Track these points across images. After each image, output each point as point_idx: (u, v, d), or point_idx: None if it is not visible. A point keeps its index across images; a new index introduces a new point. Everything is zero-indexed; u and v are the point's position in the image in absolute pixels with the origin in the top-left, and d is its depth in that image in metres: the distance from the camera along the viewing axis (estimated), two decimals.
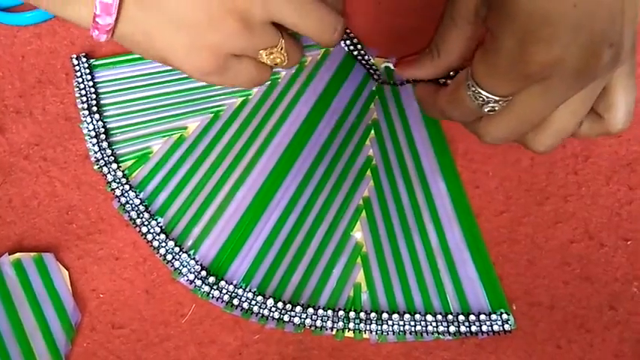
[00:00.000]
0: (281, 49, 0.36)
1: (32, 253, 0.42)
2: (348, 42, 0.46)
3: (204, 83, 0.46)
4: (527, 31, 0.27)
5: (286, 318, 0.41)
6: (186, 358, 0.41)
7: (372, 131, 0.45)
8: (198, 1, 0.32)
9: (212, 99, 0.46)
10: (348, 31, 0.47)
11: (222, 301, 0.41)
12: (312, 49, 0.47)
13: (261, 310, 0.41)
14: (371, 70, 0.46)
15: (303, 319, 0.41)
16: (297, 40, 0.39)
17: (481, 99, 0.32)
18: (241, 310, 0.41)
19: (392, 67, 0.46)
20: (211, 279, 0.41)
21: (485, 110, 0.32)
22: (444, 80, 0.41)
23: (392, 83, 0.45)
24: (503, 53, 0.28)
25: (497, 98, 0.31)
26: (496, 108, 0.32)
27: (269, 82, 0.46)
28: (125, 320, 0.42)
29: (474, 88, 0.32)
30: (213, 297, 0.41)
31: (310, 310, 0.41)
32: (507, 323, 0.40)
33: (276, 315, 0.41)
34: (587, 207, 0.43)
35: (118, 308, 0.42)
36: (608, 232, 0.42)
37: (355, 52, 0.46)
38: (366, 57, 0.46)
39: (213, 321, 0.42)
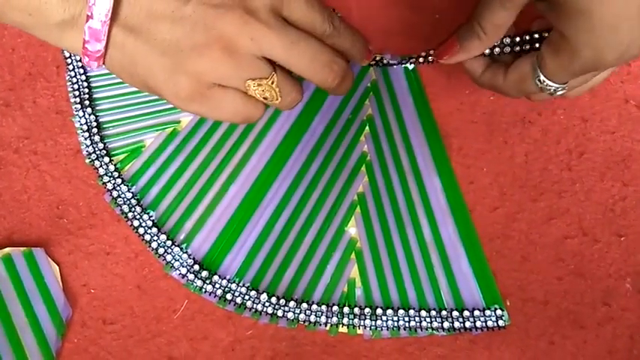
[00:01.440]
0: (272, 83, 0.34)
1: (22, 248, 0.42)
2: None
3: None
4: (602, 39, 0.31)
5: (280, 313, 0.40)
6: (179, 354, 0.41)
7: (367, 127, 0.45)
8: (184, 27, 0.32)
9: None
10: None
11: (215, 295, 0.41)
12: None
13: (255, 305, 0.40)
14: (372, 62, 0.46)
15: (296, 315, 0.40)
16: (293, 78, 0.36)
17: (548, 88, 0.36)
18: (234, 304, 0.41)
19: (384, 62, 0.46)
20: (204, 273, 0.41)
21: (548, 92, 0.36)
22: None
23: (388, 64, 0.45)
24: (581, 60, 0.33)
25: (564, 86, 0.35)
26: (559, 91, 0.36)
27: None
28: (116, 316, 0.42)
29: (542, 80, 0.35)
30: (205, 291, 0.41)
31: (304, 306, 0.40)
32: (501, 319, 0.40)
33: (270, 310, 0.40)
34: (581, 203, 0.43)
35: (109, 304, 0.42)
36: (601, 228, 0.42)
37: None
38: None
39: (206, 316, 0.42)
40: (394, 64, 0.45)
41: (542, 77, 0.36)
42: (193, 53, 0.32)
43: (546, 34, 0.37)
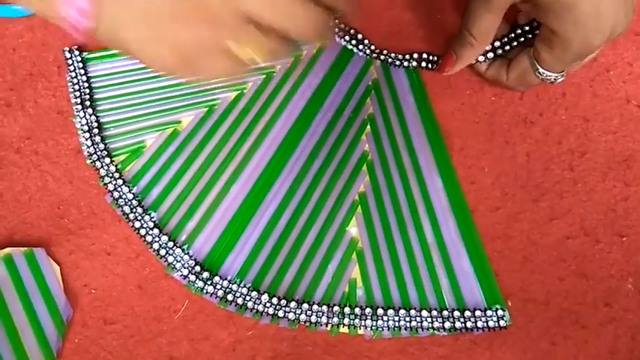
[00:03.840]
0: (255, 42, 0.34)
1: (23, 248, 0.42)
2: (346, 37, 0.46)
3: None
4: (588, 28, 0.35)
5: (281, 313, 0.40)
6: (180, 354, 0.41)
7: (368, 126, 0.45)
8: None
9: (206, 93, 0.45)
10: (343, 25, 0.47)
11: (217, 296, 0.41)
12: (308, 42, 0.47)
13: (256, 306, 0.40)
14: (374, 55, 0.46)
15: (297, 315, 0.40)
16: (277, 36, 0.35)
17: (548, 77, 0.40)
18: (235, 305, 0.41)
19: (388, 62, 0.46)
20: (205, 274, 0.41)
21: (549, 81, 0.40)
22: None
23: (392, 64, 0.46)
24: (573, 50, 0.36)
25: (562, 73, 0.39)
26: (559, 79, 0.40)
27: (264, 76, 0.46)
28: (117, 316, 0.42)
29: (541, 72, 0.39)
30: (207, 292, 0.41)
31: (305, 306, 0.40)
32: (502, 319, 0.40)
33: (271, 310, 0.40)
34: (582, 203, 0.43)
35: (110, 304, 0.42)
36: (603, 229, 0.42)
37: (351, 47, 0.46)
38: (366, 47, 0.46)
39: (207, 317, 0.42)
40: (397, 64, 0.46)
41: (541, 70, 0.39)
42: (172, 18, 0.32)
43: (536, 24, 0.41)
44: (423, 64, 0.45)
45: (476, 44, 0.41)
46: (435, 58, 0.45)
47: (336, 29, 0.47)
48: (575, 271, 0.42)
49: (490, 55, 0.43)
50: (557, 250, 0.42)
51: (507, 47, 0.43)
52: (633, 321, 0.40)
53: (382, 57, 0.46)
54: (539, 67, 0.39)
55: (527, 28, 0.42)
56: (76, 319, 0.42)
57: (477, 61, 0.43)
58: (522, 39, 0.42)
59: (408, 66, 0.45)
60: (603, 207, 0.43)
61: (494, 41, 0.42)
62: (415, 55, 0.45)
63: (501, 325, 0.40)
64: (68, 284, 0.42)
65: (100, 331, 0.41)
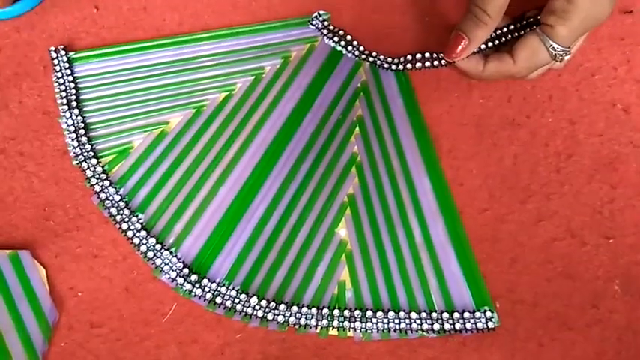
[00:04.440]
0: None
1: (8, 250, 0.41)
2: (335, 38, 0.46)
3: (187, 78, 0.45)
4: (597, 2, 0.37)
5: (270, 316, 0.40)
6: (167, 358, 0.41)
7: (357, 128, 0.45)
8: None
9: (194, 94, 0.45)
10: (332, 27, 0.47)
11: (205, 299, 0.40)
12: (297, 44, 0.46)
13: (245, 309, 0.40)
14: (363, 56, 0.46)
15: (287, 317, 0.40)
16: None
17: (561, 54, 0.40)
18: (224, 308, 0.40)
19: (377, 63, 0.46)
20: (193, 277, 0.41)
21: (560, 59, 0.40)
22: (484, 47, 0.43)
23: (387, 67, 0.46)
24: (589, 19, 0.38)
25: (569, 50, 0.40)
26: (567, 56, 0.40)
27: (253, 77, 0.46)
28: (104, 319, 0.41)
29: (556, 47, 0.39)
30: (195, 295, 0.40)
31: (294, 308, 0.40)
32: (491, 320, 0.40)
33: (260, 313, 0.40)
34: (569, 205, 0.43)
35: (96, 307, 0.42)
36: (590, 231, 0.43)
37: (340, 48, 0.46)
38: (355, 48, 0.46)
39: (195, 320, 0.41)
40: (387, 67, 0.46)
41: (555, 45, 0.39)
42: None
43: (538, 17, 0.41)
44: (418, 64, 0.45)
45: (489, 22, 0.40)
46: (428, 55, 0.45)
47: (326, 31, 0.47)
48: (562, 273, 0.42)
49: (483, 46, 0.42)
50: (545, 251, 0.42)
51: (499, 41, 0.42)
52: (619, 322, 0.41)
53: (371, 59, 0.46)
54: (552, 43, 0.39)
55: (531, 20, 0.42)
56: (62, 323, 0.41)
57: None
58: (523, 31, 0.42)
59: (397, 69, 0.45)
60: (590, 209, 0.43)
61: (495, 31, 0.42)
62: (409, 57, 0.45)
63: (490, 326, 0.40)
64: (54, 287, 0.42)
65: (87, 335, 0.41)
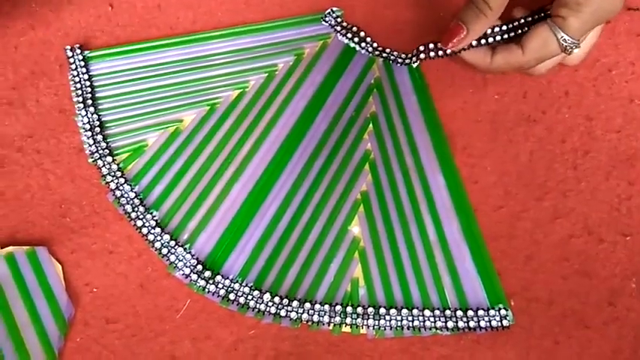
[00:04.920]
0: None
1: (25, 247, 0.42)
2: (348, 35, 0.46)
3: (200, 76, 0.46)
4: None
5: (283, 313, 0.40)
6: (181, 354, 0.41)
7: (371, 124, 0.45)
8: None
9: (208, 91, 0.45)
10: (345, 23, 0.47)
11: (218, 295, 0.41)
12: (310, 41, 0.46)
13: (258, 305, 0.40)
14: (377, 52, 0.46)
15: (299, 314, 0.40)
16: None
17: (572, 46, 0.39)
18: (237, 304, 0.41)
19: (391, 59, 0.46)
20: (207, 273, 0.41)
21: (569, 51, 0.40)
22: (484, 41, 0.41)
23: (402, 63, 0.45)
24: (601, 11, 0.38)
25: (578, 43, 0.39)
26: (576, 49, 0.39)
27: (266, 75, 0.46)
28: (119, 315, 0.42)
29: (567, 39, 0.39)
30: (209, 292, 0.41)
31: (307, 305, 0.40)
32: (505, 319, 0.40)
33: (273, 310, 0.40)
34: (586, 202, 0.43)
35: (112, 303, 0.42)
36: (607, 228, 0.42)
37: (353, 44, 0.46)
38: (368, 44, 0.46)
39: (209, 316, 0.41)
40: (401, 62, 0.45)
41: (566, 37, 0.39)
42: None
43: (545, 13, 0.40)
44: (423, 56, 0.43)
45: (490, 14, 0.39)
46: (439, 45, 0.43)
47: (339, 27, 0.46)
48: (578, 271, 0.41)
49: (486, 39, 0.41)
50: (561, 249, 0.42)
51: (499, 37, 0.41)
52: (637, 320, 0.40)
53: (384, 55, 0.46)
54: (563, 35, 0.39)
55: (536, 17, 0.41)
56: (77, 318, 0.42)
57: (471, 45, 0.41)
58: (513, 33, 0.41)
59: (410, 63, 0.45)
60: (607, 206, 0.42)
61: (493, 28, 0.41)
62: (421, 47, 0.43)
63: (504, 324, 0.40)
64: (70, 283, 0.42)
65: (102, 330, 0.41)
